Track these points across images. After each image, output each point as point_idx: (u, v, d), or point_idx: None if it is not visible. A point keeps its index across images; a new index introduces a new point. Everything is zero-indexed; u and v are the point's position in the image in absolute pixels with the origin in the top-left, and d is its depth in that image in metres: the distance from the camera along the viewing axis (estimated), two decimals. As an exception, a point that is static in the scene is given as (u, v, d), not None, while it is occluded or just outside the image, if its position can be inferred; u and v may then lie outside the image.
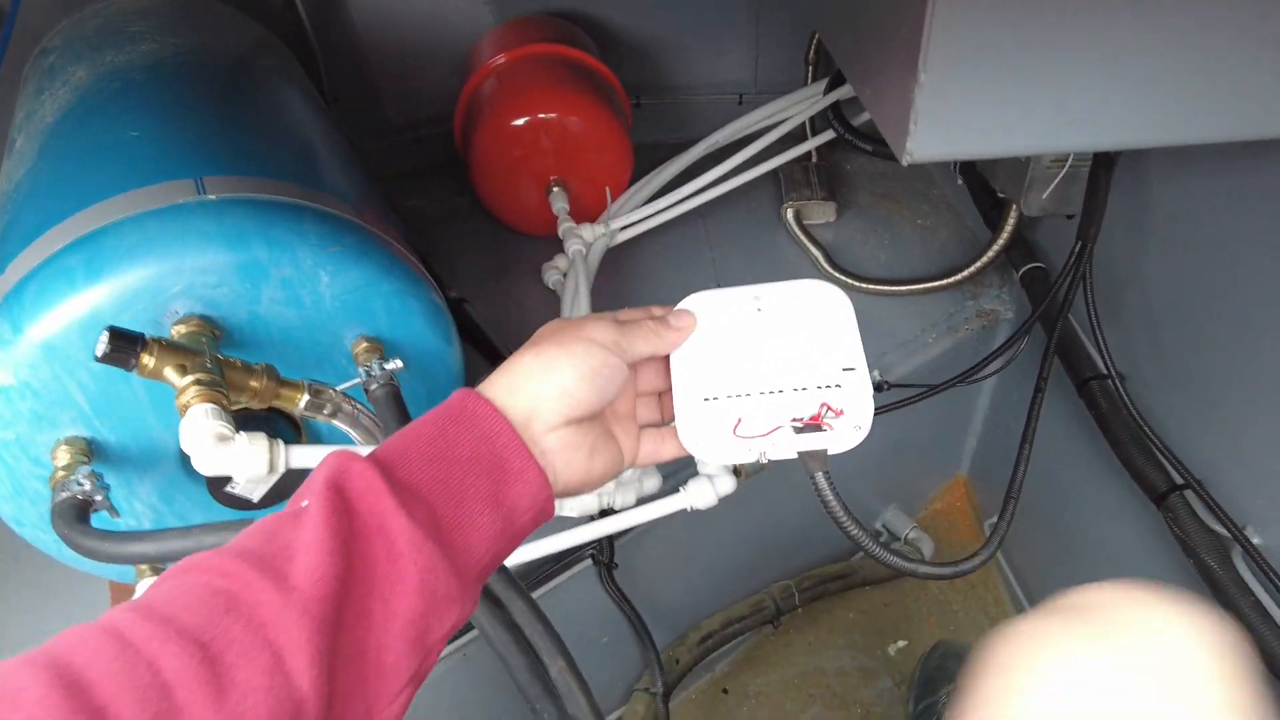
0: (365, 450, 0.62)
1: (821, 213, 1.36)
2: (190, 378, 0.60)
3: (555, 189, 1.23)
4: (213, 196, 0.69)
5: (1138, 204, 0.95)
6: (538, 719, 0.62)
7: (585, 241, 1.16)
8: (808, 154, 1.45)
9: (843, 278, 1.23)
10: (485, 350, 1.11)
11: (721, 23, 1.52)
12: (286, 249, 0.69)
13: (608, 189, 1.18)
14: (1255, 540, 0.81)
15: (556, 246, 1.23)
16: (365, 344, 0.73)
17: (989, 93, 0.53)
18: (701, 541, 1.15)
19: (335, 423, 0.70)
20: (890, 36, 0.56)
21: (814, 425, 0.49)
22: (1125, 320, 0.99)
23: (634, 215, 1.20)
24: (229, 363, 0.64)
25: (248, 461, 0.57)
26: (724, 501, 1.12)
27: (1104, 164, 0.90)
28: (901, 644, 1.31)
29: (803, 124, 1.38)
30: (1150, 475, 0.89)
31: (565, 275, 1.16)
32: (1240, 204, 0.81)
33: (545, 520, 0.47)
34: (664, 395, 0.55)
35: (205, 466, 0.56)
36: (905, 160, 0.56)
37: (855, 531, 0.57)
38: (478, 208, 1.37)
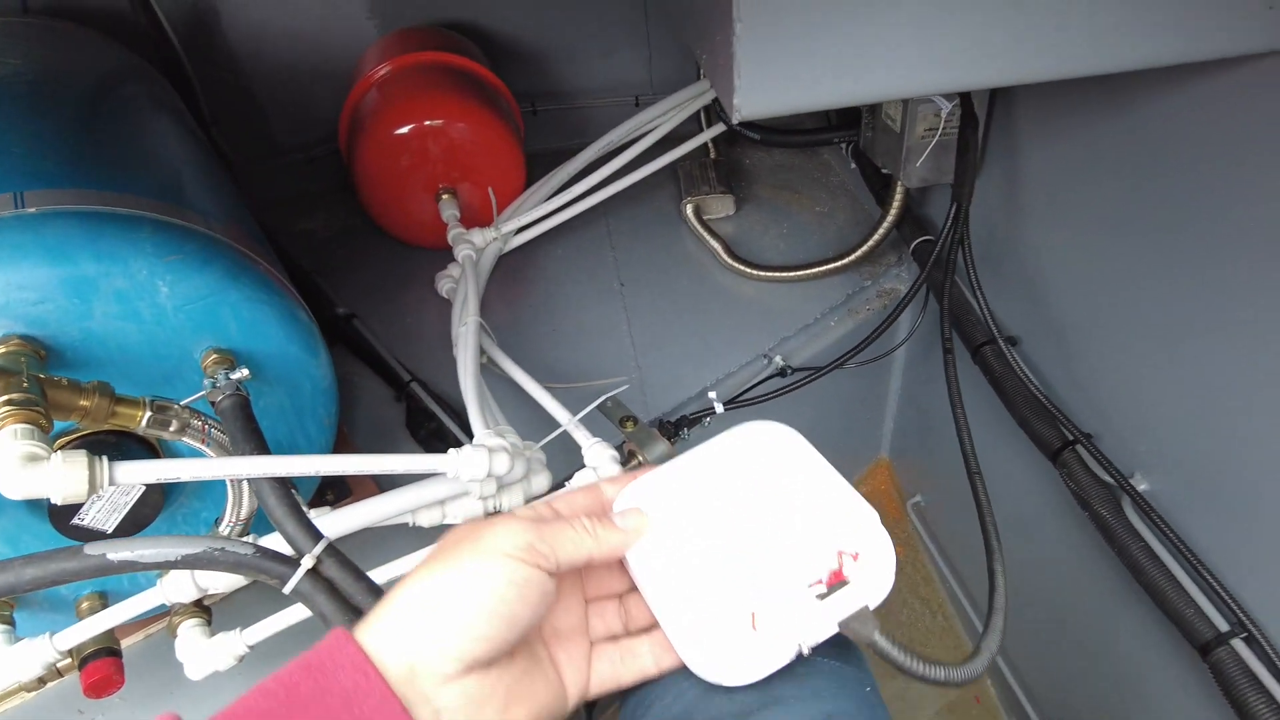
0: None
1: (720, 206, 1.36)
2: (2, 399, 0.55)
3: (445, 197, 1.21)
4: (32, 209, 0.65)
5: (1012, 167, 0.96)
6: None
7: (476, 246, 1.13)
8: (706, 151, 1.45)
9: (741, 267, 1.23)
10: (376, 365, 1.08)
11: (613, 27, 1.52)
12: (117, 260, 0.65)
13: (490, 190, 1.15)
14: (1141, 487, 0.81)
15: (450, 256, 1.20)
16: (215, 356, 0.69)
17: (807, 39, 0.52)
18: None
19: (185, 440, 0.66)
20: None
21: (839, 583, 0.41)
22: (1011, 285, 1.00)
23: (527, 217, 1.18)
24: (53, 382, 0.60)
25: (62, 481, 0.53)
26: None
27: (970, 124, 0.91)
28: (834, 632, 1.29)
29: (698, 120, 1.39)
30: (1044, 433, 0.89)
31: (458, 282, 1.13)
32: (1101, 161, 0.82)
33: None
34: (625, 596, 0.46)
35: (12, 489, 0.52)
36: (735, 117, 0.54)
37: (937, 674, 0.43)
38: (372, 226, 1.34)
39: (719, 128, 1.31)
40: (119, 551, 0.54)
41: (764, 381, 1.12)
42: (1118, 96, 0.77)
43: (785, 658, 0.40)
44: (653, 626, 0.44)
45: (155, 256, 0.66)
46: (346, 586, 0.60)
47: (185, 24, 1.31)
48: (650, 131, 1.29)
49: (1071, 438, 0.86)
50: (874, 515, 0.43)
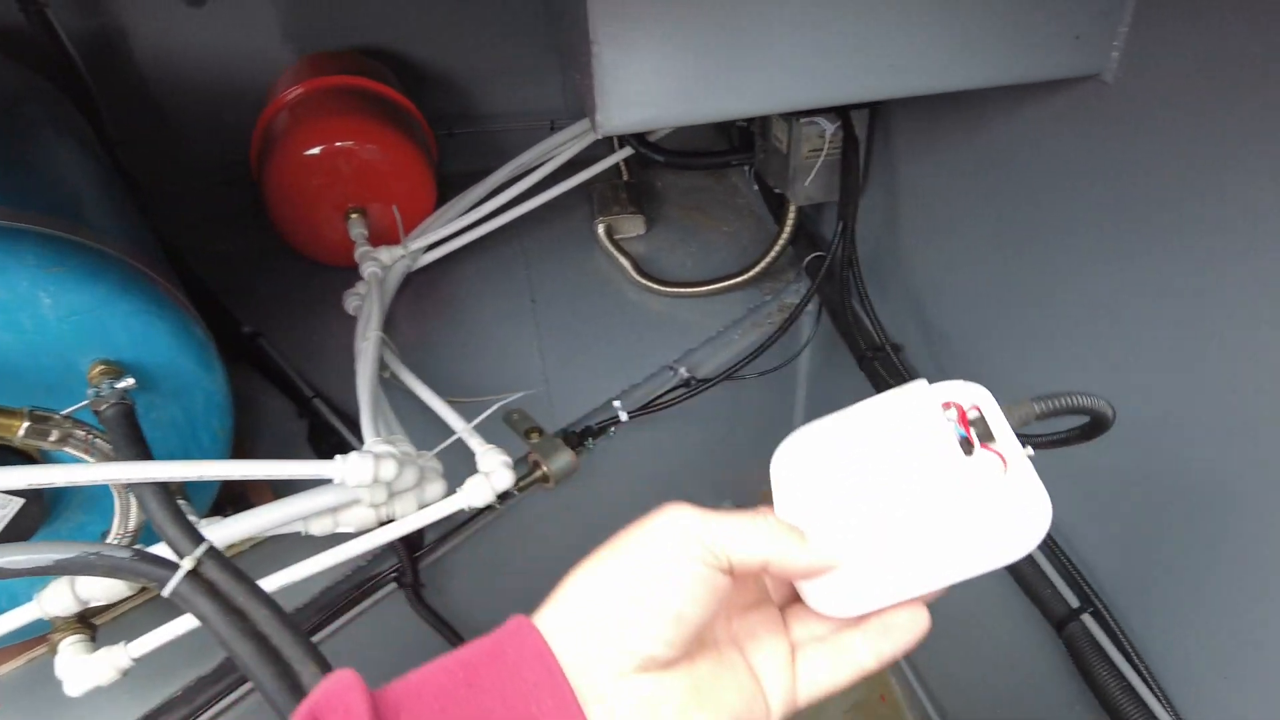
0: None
1: (631, 226, 1.40)
2: None
3: (353, 216, 1.22)
4: (-92, 222, 0.65)
5: (889, 186, 1.03)
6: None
7: (382, 264, 1.15)
8: (619, 174, 1.50)
9: (648, 283, 1.27)
10: (280, 383, 1.08)
11: (526, 54, 1.56)
12: (-4, 271, 0.65)
13: (395, 209, 1.17)
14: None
15: (360, 276, 1.21)
16: (101, 367, 0.70)
17: (661, 57, 0.57)
18: (526, 556, 1.14)
19: (68, 449, 0.67)
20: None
21: (970, 421, 0.38)
22: (896, 295, 1.06)
23: (436, 235, 1.20)
24: (-75, 392, 0.60)
25: (-72, 486, 0.53)
26: (544, 511, 1.12)
27: (851, 145, 0.97)
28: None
29: (610, 144, 1.43)
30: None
31: (364, 300, 1.14)
32: (961, 178, 0.89)
33: None
34: None
35: (-125, 495, 0.52)
36: (599, 132, 0.58)
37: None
38: (286, 249, 1.34)
39: (627, 150, 1.36)
40: (-12, 558, 0.55)
41: (670, 392, 1.15)
42: (969, 117, 0.83)
43: (1033, 476, 0.37)
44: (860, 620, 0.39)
45: (37, 269, 0.67)
46: (228, 589, 0.61)
47: (89, 44, 1.31)
48: (561, 153, 1.32)
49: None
50: (918, 381, 0.41)
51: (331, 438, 0.98)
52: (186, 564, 0.59)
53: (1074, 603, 0.75)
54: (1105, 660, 0.71)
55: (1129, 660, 0.70)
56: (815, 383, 1.37)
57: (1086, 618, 0.73)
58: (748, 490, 1.48)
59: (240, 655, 0.59)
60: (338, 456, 0.70)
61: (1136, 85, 0.63)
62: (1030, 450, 0.38)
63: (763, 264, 1.21)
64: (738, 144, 1.33)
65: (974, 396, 0.39)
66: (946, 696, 1.15)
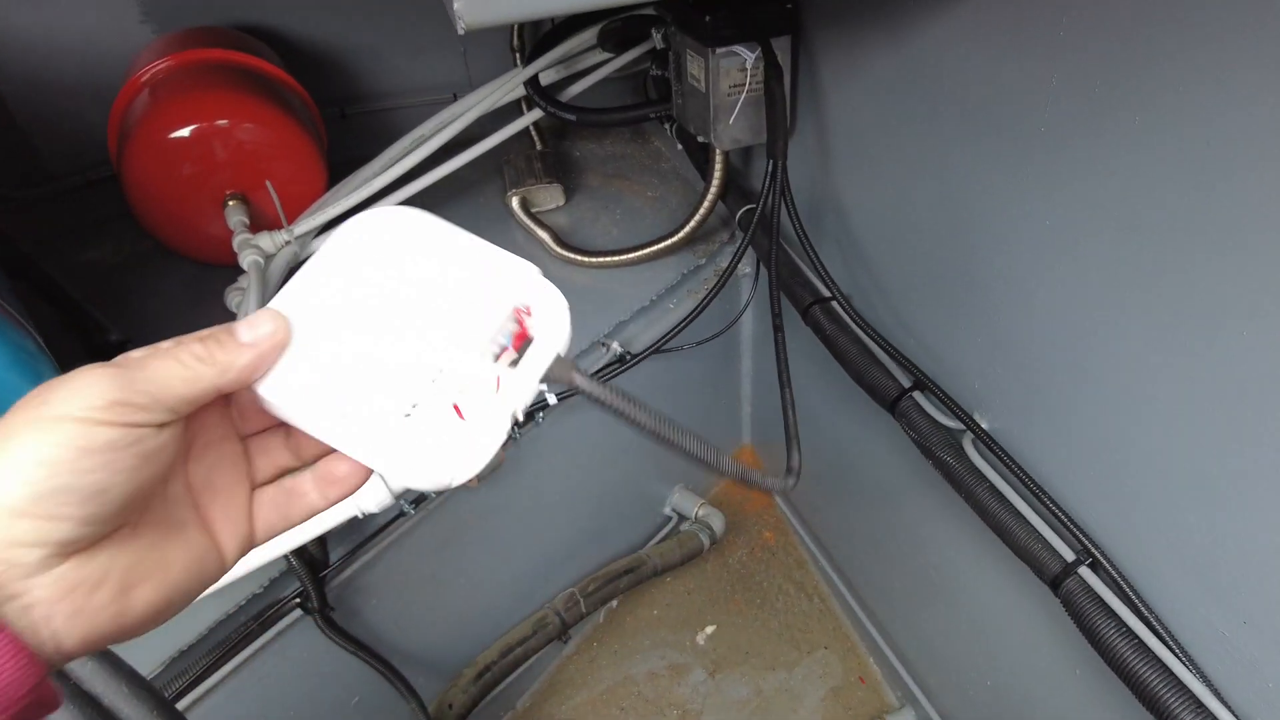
0: None
1: (549, 197, 1.29)
2: None
3: (231, 203, 1.09)
4: None
5: (818, 122, 0.94)
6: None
7: (264, 252, 1.01)
8: (532, 145, 1.39)
9: (572, 255, 1.16)
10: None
11: (420, 25, 1.44)
12: None
13: (269, 185, 1.04)
14: (984, 425, 0.78)
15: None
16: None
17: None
18: (454, 565, 1.02)
19: None
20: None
21: (525, 342, 0.38)
22: (835, 242, 0.97)
23: (325, 215, 1.07)
24: None
25: None
26: (469, 513, 1.00)
27: (774, 74, 0.87)
28: (710, 629, 1.22)
29: (520, 111, 1.32)
30: (881, 384, 0.86)
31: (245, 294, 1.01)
32: (890, 101, 0.80)
33: (48, 712, 0.30)
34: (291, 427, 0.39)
35: None
36: (460, 27, 0.47)
37: (666, 431, 0.40)
38: (164, 249, 1.19)
39: (536, 113, 1.24)
40: None
41: (605, 369, 1.05)
42: (889, 23, 0.75)
43: (504, 433, 0.37)
44: (320, 456, 0.38)
45: None
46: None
47: (-92, 32, 1.14)
48: (462, 118, 1.20)
49: (909, 384, 0.83)
50: (530, 266, 0.39)
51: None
52: None
53: (1069, 556, 0.66)
54: (1111, 615, 0.62)
55: (1136, 612, 0.62)
56: (760, 352, 1.28)
57: (1085, 570, 0.65)
58: (699, 472, 1.39)
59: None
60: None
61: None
62: (550, 400, 0.38)
63: (691, 223, 1.11)
64: (655, 96, 1.23)
65: (554, 318, 0.39)
66: (931, 672, 1.06)
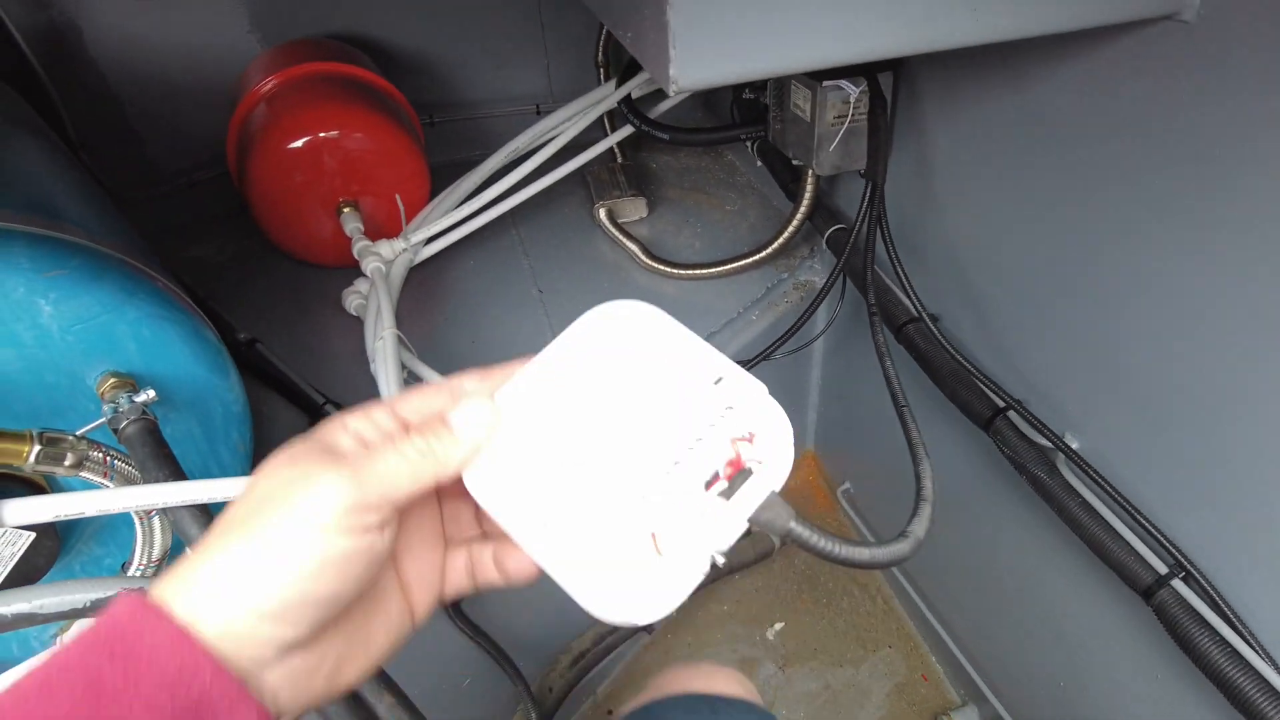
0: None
1: (633, 209, 1.35)
2: None
3: (346, 210, 1.15)
4: (-119, 226, 0.57)
5: (920, 151, 0.99)
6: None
7: (384, 259, 1.08)
8: (613, 157, 1.45)
9: (661, 267, 1.22)
10: (286, 390, 1.01)
11: (509, 37, 1.50)
12: (-11, 278, 0.58)
13: (398, 197, 1.10)
14: (1074, 445, 0.84)
15: (358, 273, 1.14)
16: (113, 380, 0.63)
17: (740, 8, 0.52)
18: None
19: (85, 475, 0.59)
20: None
21: (740, 473, 0.35)
22: (930, 265, 1.03)
23: (436, 226, 1.13)
24: (-80, 418, 0.52)
25: (-58, 525, 0.46)
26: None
27: (879, 104, 0.93)
28: (779, 625, 1.28)
29: (602, 125, 1.38)
30: (974, 404, 0.91)
31: (367, 298, 1.07)
32: (1000, 136, 0.85)
33: None
34: None
35: (-120, 540, 0.45)
36: (672, 89, 0.53)
37: (860, 555, 0.39)
38: (271, 249, 1.26)
39: (625, 130, 1.30)
40: (12, 604, 0.47)
41: (693, 379, 1.11)
42: (1010, 71, 0.80)
43: (700, 575, 0.35)
44: (503, 535, 0.37)
45: (33, 272, 0.60)
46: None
47: (41, 39, 1.21)
48: (555, 137, 1.26)
49: (1003, 405, 0.89)
50: (761, 386, 0.36)
51: (350, 446, 0.91)
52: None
53: (1161, 569, 0.72)
54: (1204, 625, 0.68)
55: (1230, 624, 0.67)
56: (831, 364, 1.34)
57: (1177, 583, 0.71)
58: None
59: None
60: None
61: (1220, 23, 0.60)
62: (721, 560, 0.35)
63: (781, 239, 1.17)
64: (741, 118, 1.28)
65: (776, 449, 0.36)
66: (998, 670, 1.12)
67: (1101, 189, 0.74)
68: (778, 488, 0.36)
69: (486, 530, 0.40)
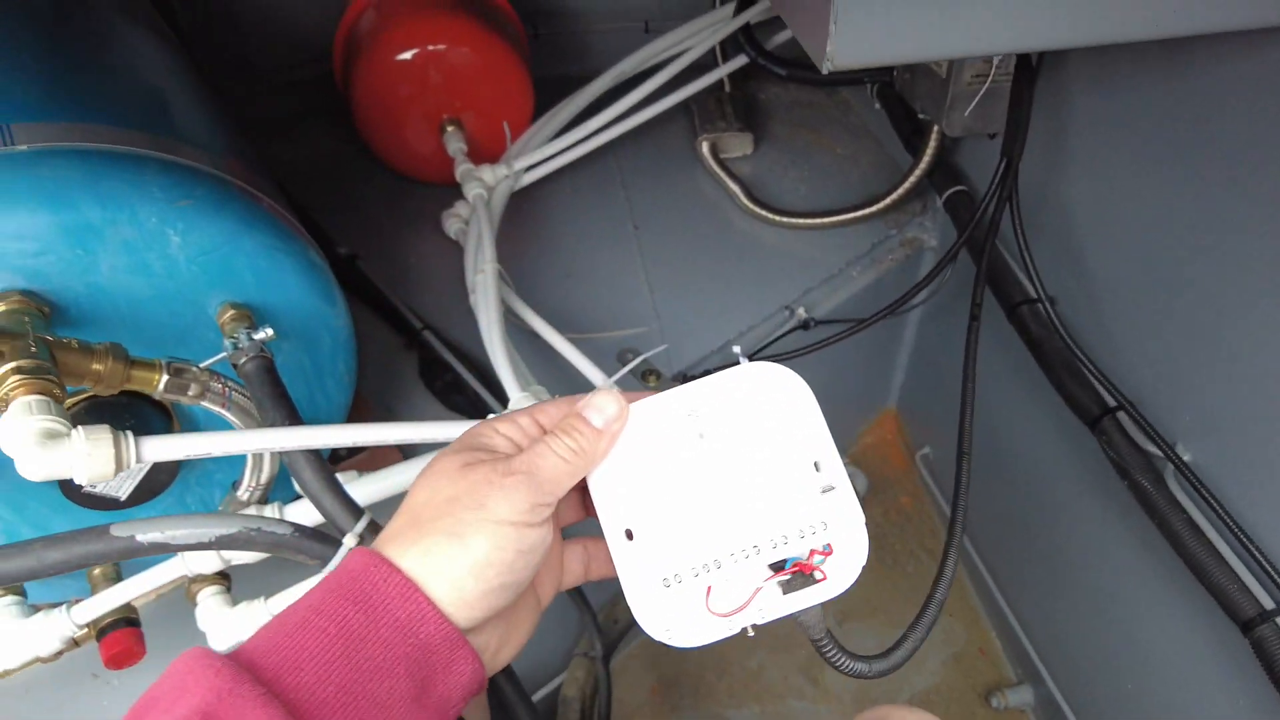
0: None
1: (738, 145, 1.30)
2: (9, 365, 0.50)
3: (450, 128, 1.13)
4: (23, 147, 0.58)
5: (1059, 121, 0.92)
6: None
7: (487, 185, 1.06)
8: (720, 85, 1.38)
9: (763, 212, 1.18)
10: (384, 310, 1.02)
11: (622, -57, 1.42)
12: (123, 206, 0.58)
13: (505, 124, 1.08)
14: (1185, 457, 0.80)
15: (455, 193, 1.13)
16: (232, 311, 0.64)
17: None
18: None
19: (205, 405, 0.61)
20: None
21: (803, 575, 0.40)
22: (1050, 242, 0.97)
23: (539, 154, 1.11)
24: (62, 344, 0.54)
25: (87, 463, 0.48)
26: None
27: (1026, 76, 0.86)
28: (839, 581, 1.30)
29: (713, 51, 1.31)
30: (1083, 399, 0.87)
31: (468, 223, 1.07)
32: (1153, 121, 0.78)
33: (478, 695, 0.38)
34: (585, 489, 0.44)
35: (32, 471, 0.47)
36: (825, 68, 0.49)
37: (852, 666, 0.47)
38: (365, 156, 1.25)
39: (739, 60, 1.24)
40: (149, 533, 0.50)
41: (786, 335, 1.08)
42: (1177, 58, 0.72)
43: (729, 634, 0.40)
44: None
45: (165, 202, 0.60)
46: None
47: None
48: (668, 63, 1.21)
49: (1114, 404, 0.84)
50: (860, 515, 0.40)
51: (445, 374, 0.93)
52: (349, 541, 0.55)
53: (1268, 603, 0.69)
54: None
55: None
56: (927, 326, 1.29)
57: (1281, 619, 0.68)
58: (845, 437, 1.43)
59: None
60: (491, 417, 0.65)
61: None
62: (751, 633, 0.41)
63: (895, 194, 1.11)
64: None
65: (843, 574, 0.40)
66: (1061, 659, 1.12)
67: (1259, 189, 0.67)
68: (827, 599, 0.40)
69: (590, 513, 0.43)
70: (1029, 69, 0.86)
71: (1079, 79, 0.87)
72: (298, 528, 0.54)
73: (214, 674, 0.30)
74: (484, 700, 0.46)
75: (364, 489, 0.68)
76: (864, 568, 0.40)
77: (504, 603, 0.36)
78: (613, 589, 1.16)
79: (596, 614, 1.03)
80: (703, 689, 1.21)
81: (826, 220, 1.16)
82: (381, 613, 0.33)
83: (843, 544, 0.40)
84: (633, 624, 1.15)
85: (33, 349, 0.51)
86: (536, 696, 1.10)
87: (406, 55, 1.12)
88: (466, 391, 0.90)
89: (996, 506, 1.22)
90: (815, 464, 0.40)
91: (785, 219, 1.17)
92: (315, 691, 0.31)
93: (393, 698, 0.32)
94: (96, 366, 0.55)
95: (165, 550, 0.51)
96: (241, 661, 0.31)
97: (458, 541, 0.34)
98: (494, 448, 0.38)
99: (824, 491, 0.40)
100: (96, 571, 0.69)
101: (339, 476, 0.68)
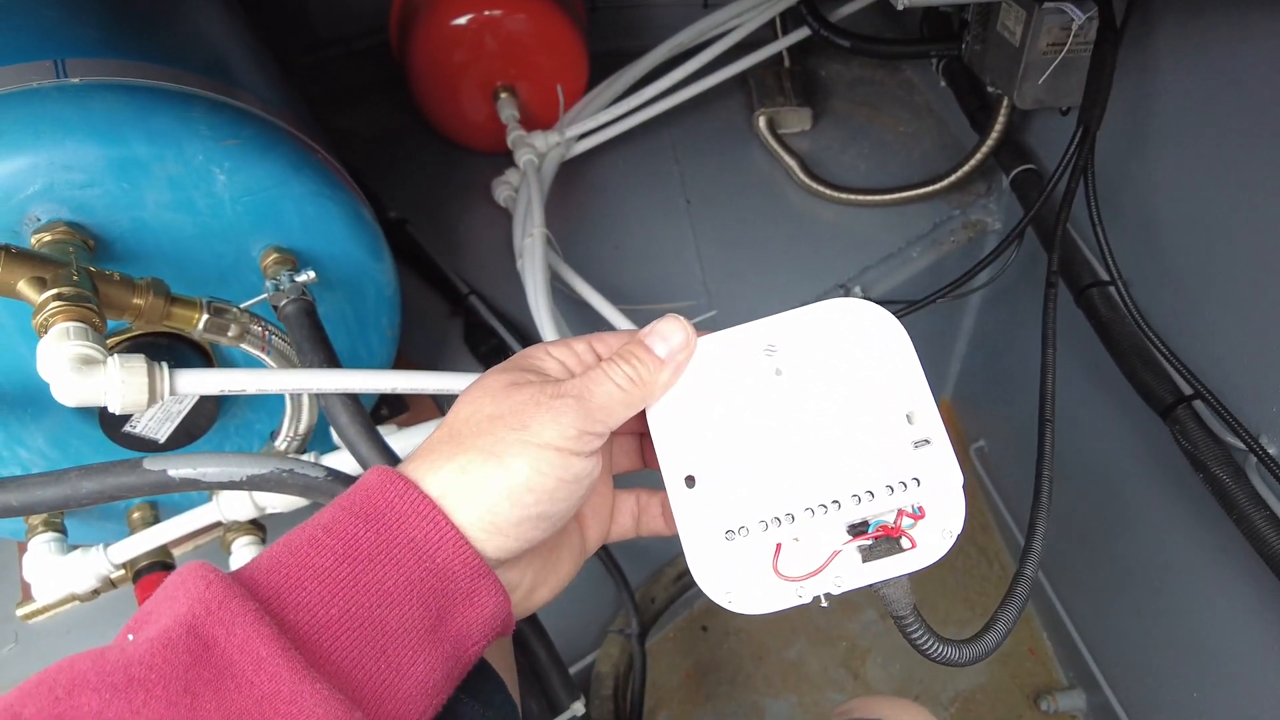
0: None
1: (796, 120, 1.26)
2: (51, 292, 0.50)
3: (503, 95, 1.12)
4: (75, 80, 0.58)
5: (1141, 92, 0.87)
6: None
7: (538, 151, 1.05)
8: (780, 59, 1.35)
9: (820, 188, 1.14)
10: (431, 275, 1.01)
11: (682, -84, 1.39)
12: (171, 142, 0.58)
13: (559, 88, 1.06)
14: (1271, 450, 0.74)
15: (507, 162, 1.12)
16: (275, 255, 0.63)
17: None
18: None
19: (245, 347, 0.61)
20: None
21: (889, 540, 0.35)
22: (1124, 221, 0.91)
23: (591, 122, 1.09)
24: (104, 276, 0.53)
25: (121, 390, 0.47)
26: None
27: (1110, 40, 0.81)
28: (884, 574, 1.25)
29: (773, 25, 1.27)
30: (1155, 386, 0.82)
31: (517, 190, 1.05)
32: (1250, 91, 0.73)
33: (504, 635, 0.34)
34: (645, 437, 0.40)
35: (66, 395, 0.46)
36: (900, 4, 0.46)
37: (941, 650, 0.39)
38: (420, 126, 1.25)
39: (801, 33, 1.20)
40: (180, 469, 0.49)
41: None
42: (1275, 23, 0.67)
43: (796, 602, 0.35)
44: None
45: (212, 140, 0.59)
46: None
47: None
48: (726, 34, 1.18)
49: (1190, 392, 0.79)
50: (959, 475, 0.35)
51: (490, 339, 0.91)
52: (383, 488, 0.53)
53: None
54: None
55: None
56: (988, 314, 1.24)
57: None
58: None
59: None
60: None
61: None
62: (825, 603, 0.36)
63: (960, 173, 1.07)
64: (930, 33, 1.16)
65: (936, 538, 0.35)
66: (1119, 663, 1.06)
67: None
68: (915, 569, 0.35)
69: (648, 464, 0.41)
70: (1113, 30, 0.81)
71: (1169, 49, 0.82)
72: (331, 471, 0.53)
73: (204, 586, 0.28)
74: (507, 647, 0.44)
75: (402, 441, 0.66)
76: (959, 537, 0.35)
77: (541, 534, 0.33)
78: (650, 566, 1.14)
79: (633, 591, 1.01)
80: (740, 677, 1.18)
81: (886, 197, 1.11)
82: (396, 531, 0.30)
83: (936, 507, 0.35)
84: (669, 604, 1.13)
85: (75, 277, 0.51)
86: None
87: (462, 20, 1.11)
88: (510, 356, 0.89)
89: (1053, 500, 1.16)
90: (908, 415, 0.35)
91: (843, 195, 1.13)
92: (316, 612, 0.29)
93: (403, 625, 0.30)
94: (137, 300, 0.54)
95: (196, 487, 0.50)
96: (241, 578, 0.29)
97: (495, 461, 0.31)
98: (544, 370, 0.35)
99: (917, 446, 0.35)
100: (135, 515, 0.69)
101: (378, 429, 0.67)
